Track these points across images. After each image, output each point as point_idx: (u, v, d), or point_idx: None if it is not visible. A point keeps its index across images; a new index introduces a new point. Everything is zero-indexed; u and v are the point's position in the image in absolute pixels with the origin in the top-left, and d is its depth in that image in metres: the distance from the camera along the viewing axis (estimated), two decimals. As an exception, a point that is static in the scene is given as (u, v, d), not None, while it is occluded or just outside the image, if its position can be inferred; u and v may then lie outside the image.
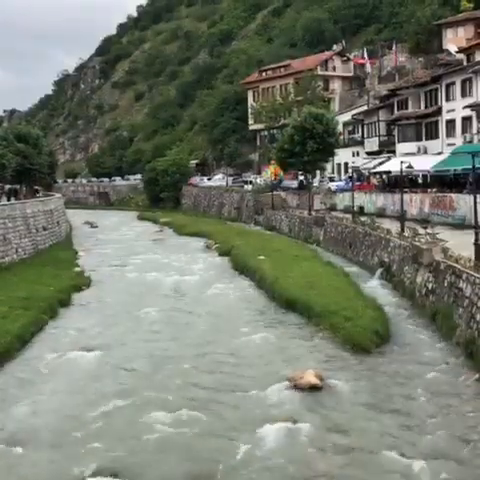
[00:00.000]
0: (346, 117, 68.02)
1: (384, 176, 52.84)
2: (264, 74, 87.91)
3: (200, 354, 21.11)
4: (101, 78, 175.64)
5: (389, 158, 51.64)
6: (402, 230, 32.55)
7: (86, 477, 13.09)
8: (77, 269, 39.09)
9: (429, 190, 42.47)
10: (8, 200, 47.58)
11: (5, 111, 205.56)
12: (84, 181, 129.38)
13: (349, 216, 43.46)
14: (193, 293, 31.65)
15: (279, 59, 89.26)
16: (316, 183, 60.75)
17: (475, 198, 23.69)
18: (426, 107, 49.99)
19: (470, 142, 42.83)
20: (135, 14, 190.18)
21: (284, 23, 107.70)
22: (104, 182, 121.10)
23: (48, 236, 49.46)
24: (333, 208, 53.06)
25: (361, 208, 46.55)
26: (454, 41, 58.89)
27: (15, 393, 18.21)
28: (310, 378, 17.47)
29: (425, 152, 48.61)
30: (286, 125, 61.20)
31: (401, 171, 36.02)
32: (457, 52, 52.25)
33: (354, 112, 66.58)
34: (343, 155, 61.86)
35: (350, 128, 67.91)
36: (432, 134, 48.99)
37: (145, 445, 14.51)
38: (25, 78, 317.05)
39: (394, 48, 70.02)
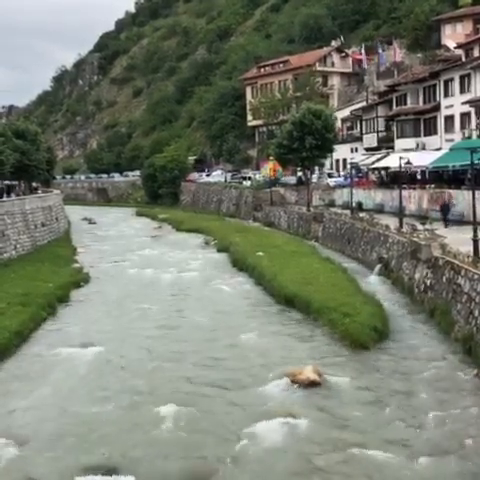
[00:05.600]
0: (345, 113, 68.04)
1: (383, 172, 52.81)
2: (262, 70, 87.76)
3: (199, 350, 21.13)
4: (99, 74, 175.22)
5: (388, 154, 51.57)
6: (400, 226, 32.57)
7: (84, 473, 13.11)
8: (76, 265, 39.09)
9: (427, 186, 42.44)
10: (1, 197, 47.46)
11: (3, 107, 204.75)
12: (82, 177, 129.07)
13: (348, 212, 43.50)
14: (192, 289, 31.67)
15: (277, 55, 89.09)
16: (315, 179, 60.71)
17: (473, 194, 23.68)
18: (425, 103, 49.93)
19: (469, 138, 42.82)
20: (133, 10, 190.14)
21: (282, 19, 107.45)
22: (102, 178, 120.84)
23: (47, 232, 49.47)
24: (332, 204, 53.08)
25: (360, 204, 46.56)
26: (453, 37, 58.79)
27: (14, 389, 18.24)
28: (309, 374, 17.51)
29: (424, 148, 48.51)
30: (285, 121, 61.08)
31: (400, 167, 36.01)
32: (456, 48, 52.10)
33: (353, 108, 66.52)
34: (341, 151, 61.81)
35: (349, 124, 67.90)
36: (431, 130, 48.96)
37: (144, 441, 14.51)
38: (23, 74, 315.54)
39: (394, 44, 69.87)
